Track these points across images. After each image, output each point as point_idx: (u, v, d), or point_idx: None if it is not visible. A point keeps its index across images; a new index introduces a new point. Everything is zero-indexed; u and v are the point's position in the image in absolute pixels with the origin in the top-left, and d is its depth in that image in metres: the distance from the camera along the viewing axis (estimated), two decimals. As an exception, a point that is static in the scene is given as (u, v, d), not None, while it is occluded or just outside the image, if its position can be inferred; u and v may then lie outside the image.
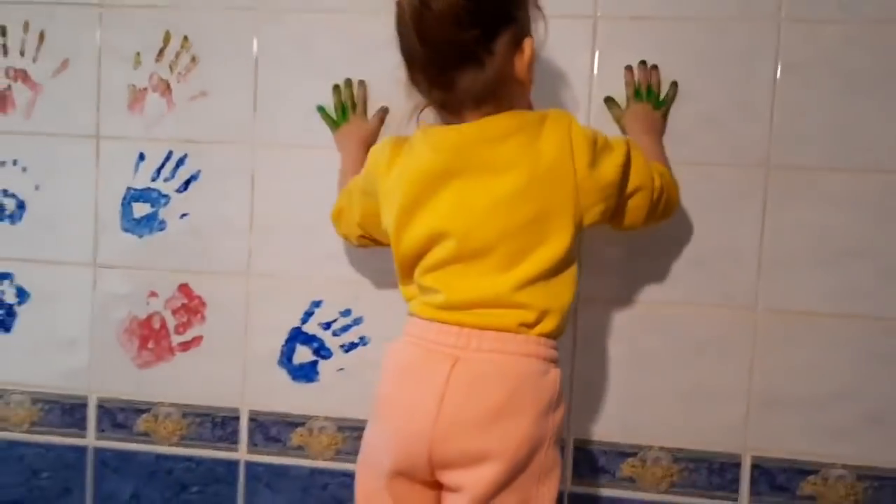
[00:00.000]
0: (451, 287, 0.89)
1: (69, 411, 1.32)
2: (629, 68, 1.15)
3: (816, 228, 1.14)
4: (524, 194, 0.87)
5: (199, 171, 1.27)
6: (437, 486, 0.91)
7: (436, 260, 0.90)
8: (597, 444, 1.20)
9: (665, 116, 1.15)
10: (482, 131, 0.89)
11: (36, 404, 1.33)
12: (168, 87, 1.27)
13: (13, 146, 1.31)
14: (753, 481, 1.17)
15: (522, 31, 0.90)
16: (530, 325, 0.88)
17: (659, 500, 1.19)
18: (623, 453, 1.20)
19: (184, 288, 1.28)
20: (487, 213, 0.87)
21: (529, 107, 0.96)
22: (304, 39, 1.22)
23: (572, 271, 0.91)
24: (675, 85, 1.15)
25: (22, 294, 1.33)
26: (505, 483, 0.85)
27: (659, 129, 1.14)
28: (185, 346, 1.29)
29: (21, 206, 1.31)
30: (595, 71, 1.17)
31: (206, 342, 1.28)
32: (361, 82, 1.22)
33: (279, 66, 1.23)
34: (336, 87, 1.22)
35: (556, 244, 0.88)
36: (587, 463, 1.20)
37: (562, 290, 0.90)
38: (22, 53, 1.30)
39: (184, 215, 1.28)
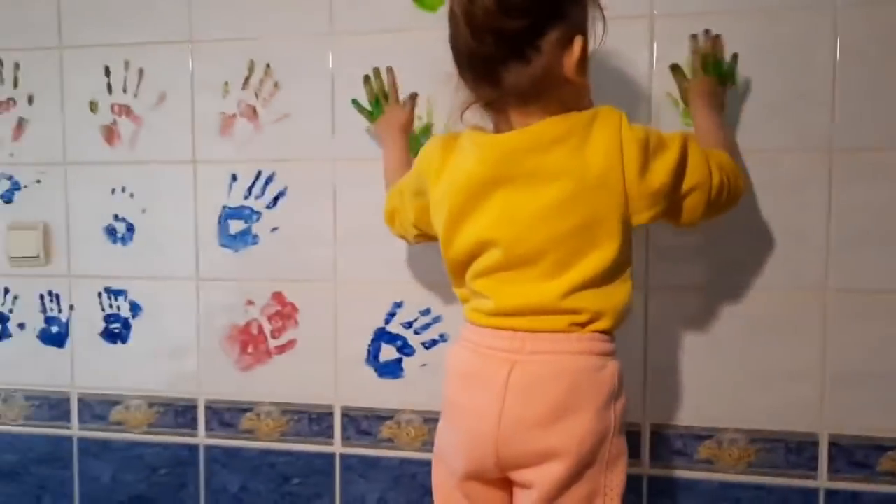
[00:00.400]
0: (500, 294, 0.92)
1: (181, 413, 1.45)
2: (694, 36, 1.16)
3: (882, 208, 1.15)
4: (571, 203, 0.88)
5: (285, 188, 1.37)
6: (508, 484, 0.95)
7: (484, 267, 0.93)
8: (673, 427, 1.25)
9: (725, 92, 1.15)
10: (529, 139, 0.89)
11: (152, 407, 1.47)
12: (254, 111, 1.38)
13: (121, 175, 1.45)
14: (831, 459, 1.19)
15: (574, 29, 0.88)
16: (582, 325, 0.90)
17: (737, 480, 1.22)
18: (699, 436, 1.24)
19: (277, 296, 1.39)
20: (534, 223, 0.89)
21: (588, 108, 0.92)
22: (374, 58, 1.31)
23: (626, 276, 0.93)
24: (735, 57, 1.15)
25: (135, 308, 1.47)
26: (574, 478, 0.89)
27: (722, 103, 1.13)
28: (281, 349, 1.40)
29: (130, 228, 1.45)
30: (654, 68, 1.22)
31: (300, 345, 1.39)
32: (389, 69, 1.25)
33: (353, 85, 1.32)
34: (367, 79, 1.27)
35: (605, 252, 0.89)
36: (664, 446, 1.25)
37: (615, 294, 0.91)
38: (124, 90, 1.44)
39: (274, 229, 1.38)
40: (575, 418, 0.88)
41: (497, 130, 0.95)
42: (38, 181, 1.49)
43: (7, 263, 1.51)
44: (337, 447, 1.38)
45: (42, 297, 1.50)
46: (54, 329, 1.50)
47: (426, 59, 1.21)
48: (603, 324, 0.91)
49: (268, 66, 1.36)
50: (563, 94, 0.90)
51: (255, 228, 1.39)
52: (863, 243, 1.16)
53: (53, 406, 1.51)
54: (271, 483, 1.42)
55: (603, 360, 0.91)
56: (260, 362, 1.41)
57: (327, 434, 1.39)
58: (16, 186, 1.50)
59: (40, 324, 1.51)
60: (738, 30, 1.18)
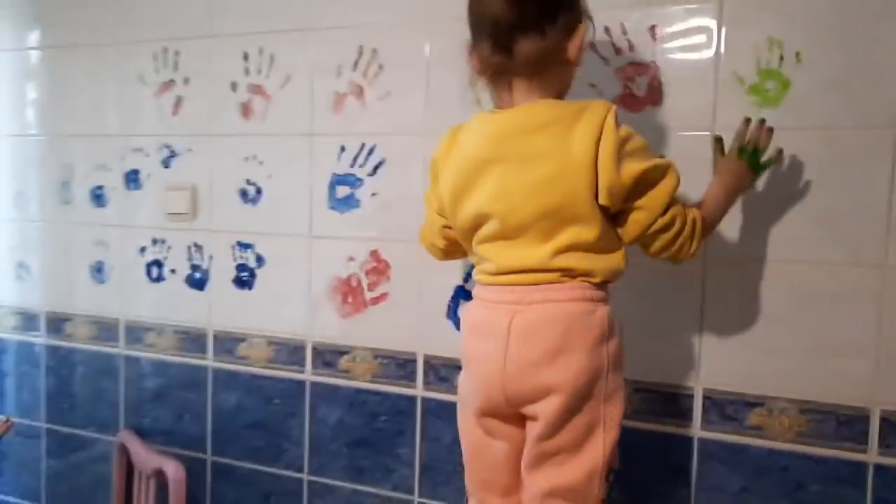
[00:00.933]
0: (500, 256, 1.06)
1: (293, 352, 1.68)
2: (747, 120, 1.17)
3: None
4: (554, 181, 1.00)
5: (384, 158, 1.56)
6: (520, 419, 1.08)
7: (485, 235, 1.07)
8: (724, 393, 1.30)
9: (756, 179, 1.19)
10: (522, 121, 1.03)
11: (270, 346, 1.71)
12: (361, 91, 1.57)
13: (253, 145, 1.70)
14: (882, 434, 1.19)
15: (577, 17, 1.04)
16: (573, 276, 1.02)
17: (786, 448, 1.26)
18: (750, 403, 1.28)
19: (374, 253, 1.58)
20: (524, 197, 1.01)
21: (568, 84, 1.09)
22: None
23: (615, 248, 1.04)
24: (780, 152, 1.19)
25: (260, 260, 1.71)
26: (573, 409, 1.01)
27: (740, 188, 1.16)
28: (375, 300, 1.59)
29: (259, 191, 1.70)
30: (723, 49, 1.27)
31: (391, 297, 1.57)
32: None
33: (446, 68, 1.47)
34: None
35: (589, 227, 1.00)
36: (716, 410, 1.30)
37: (607, 259, 1.03)
38: (258, 72, 1.68)
39: (374, 194, 1.57)
40: (569, 357, 1.00)
41: (498, 105, 1.08)
42: (190, 150, 1.77)
43: (164, 218, 1.81)
44: (419, 391, 1.55)
45: (189, 247, 1.79)
46: (197, 275, 1.79)
47: None
48: (594, 279, 1.03)
49: (374, 50, 1.55)
50: (561, 74, 1.05)
51: (358, 193, 1.59)
52: (926, 221, 1.16)
53: (194, 340, 1.80)
54: (363, 418, 1.61)
55: (593, 305, 1.03)
56: (357, 311, 1.61)
57: (411, 378, 1.56)
58: (173, 154, 1.79)
59: (187, 270, 1.80)
60: (804, 8, 1.21)
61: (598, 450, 1.02)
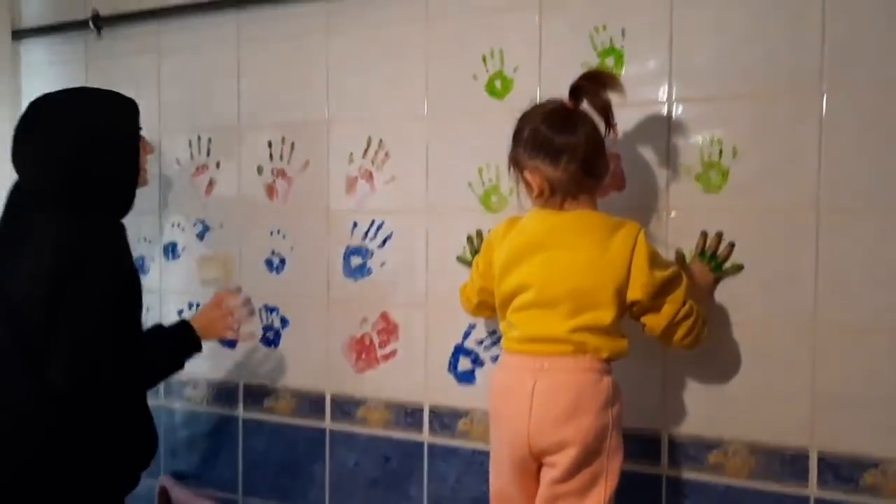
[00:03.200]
0: (528, 325, 1.29)
1: (314, 402, 1.90)
2: (704, 234, 1.45)
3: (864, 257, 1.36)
4: (589, 269, 1.25)
5: (392, 233, 1.79)
6: (539, 471, 1.30)
7: (521, 303, 1.30)
8: (686, 437, 1.50)
9: (716, 282, 1.44)
10: (573, 222, 1.29)
11: (293, 398, 1.93)
12: (371, 175, 1.81)
13: (277, 221, 1.94)
14: (820, 472, 1.39)
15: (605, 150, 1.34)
16: (585, 351, 1.26)
17: (741, 485, 1.45)
18: (709, 445, 1.48)
19: (384, 316, 1.81)
20: (561, 275, 1.26)
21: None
22: (459, 137, 1.69)
23: (622, 337, 1.28)
24: (739, 267, 1.43)
25: (284, 322, 1.95)
26: (583, 461, 1.24)
27: (708, 287, 1.43)
28: (386, 357, 1.81)
29: (283, 261, 1.94)
30: (673, 145, 1.50)
31: (400, 354, 1.79)
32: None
33: (444, 155, 1.71)
34: (469, 238, 1.66)
35: (605, 313, 1.25)
36: (680, 452, 1.50)
37: (614, 343, 1.27)
38: (281, 158, 1.93)
39: (383, 264, 1.81)
40: (582, 417, 1.23)
41: (544, 206, 1.33)
42: (222, 225, 2.02)
43: (199, 285, 2.05)
44: (426, 437, 1.76)
45: (221, 310, 2.03)
46: (229, 335, 2.02)
47: (495, 137, 1.56)
48: (599, 354, 1.27)
49: (381, 140, 1.80)
50: (596, 189, 1.35)
51: (370, 263, 1.82)
52: (848, 285, 1.37)
53: (226, 393, 2.03)
54: (376, 462, 1.82)
55: (600, 375, 1.27)
56: (370, 366, 1.83)
57: (418, 426, 1.77)
58: (206, 229, 2.04)
59: (219, 330, 2.03)
60: (737, 112, 1.44)
61: (600, 497, 1.25)
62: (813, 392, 1.40)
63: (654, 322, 1.30)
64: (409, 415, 1.78)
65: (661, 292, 1.27)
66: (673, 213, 1.48)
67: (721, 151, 1.45)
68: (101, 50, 2.17)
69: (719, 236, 1.44)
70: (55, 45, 2.23)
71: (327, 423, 1.89)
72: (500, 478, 1.36)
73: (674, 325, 1.29)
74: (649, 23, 1.51)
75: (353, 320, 1.85)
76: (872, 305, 1.36)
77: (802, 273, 1.41)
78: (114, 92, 1.53)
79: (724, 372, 1.47)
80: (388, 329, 1.81)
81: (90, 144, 1.42)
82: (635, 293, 1.26)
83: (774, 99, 1.42)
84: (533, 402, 1.25)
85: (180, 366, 1.55)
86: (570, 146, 1.27)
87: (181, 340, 1.55)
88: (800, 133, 1.40)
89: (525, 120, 1.33)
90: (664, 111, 1.50)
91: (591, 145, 1.29)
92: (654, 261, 1.27)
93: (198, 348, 1.57)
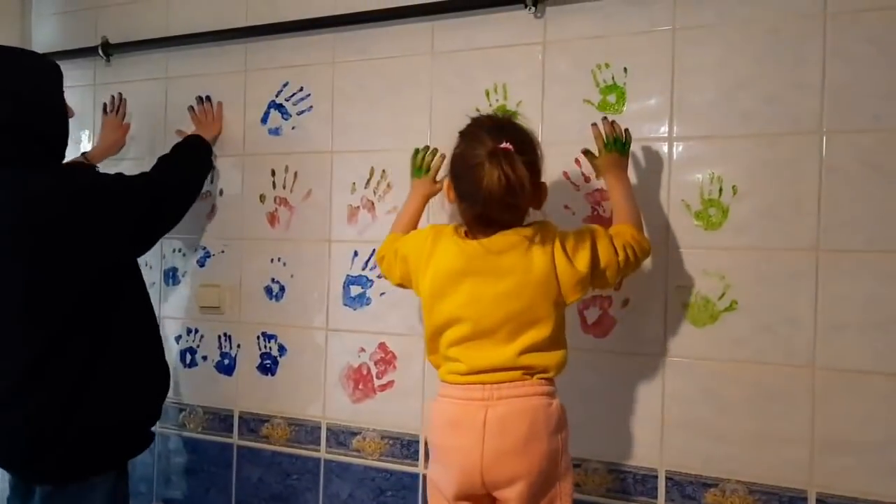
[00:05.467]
0: (470, 357, 1.26)
1: (310, 432, 1.89)
2: (595, 125, 1.44)
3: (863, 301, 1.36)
4: (519, 293, 1.23)
5: (392, 263, 1.80)
6: (491, 499, 1.27)
7: (455, 337, 1.27)
8: (684, 475, 1.49)
9: (627, 156, 1.44)
10: (490, 246, 1.25)
11: (289, 426, 1.92)
12: (372, 205, 1.82)
13: (278, 249, 1.95)
14: (817, 514, 1.38)
15: (541, 180, 1.29)
16: (532, 374, 1.25)
17: (738, 525, 1.44)
18: (706, 484, 1.47)
19: (382, 345, 1.81)
20: (492, 305, 1.24)
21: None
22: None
23: (562, 344, 1.28)
24: (627, 131, 1.43)
25: (282, 349, 1.94)
26: (538, 491, 1.23)
27: (625, 170, 1.42)
28: (383, 387, 1.80)
29: (282, 289, 1.94)
30: (673, 181, 1.51)
31: (397, 385, 1.79)
32: (436, 151, 1.56)
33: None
34: (416, 151, 1.59)
35: (543, 327, 1.24)
36: (677, 490, 1.49)
37: (555, 356, 1.27)
38: (284, 187, 1.94)
39: (382, 293, 1.81)
40: (535, 444, 1.22)
41: (469, 232, 1.30)
42: (223, 251, 2.03)
43: (198, 311, 2.05)
44: (421, 469, 1.75)
45: (219, 337, 2.03)
46: (226, 362, 2.02)
47: None
48: (545, 374, 1.25)
49: (383, 171, 1.81)
50: (525, 215, 1.30)
51: (369, 293, 1.82)
52: (846, 328, 1.37)
53: (222, 420, 2.02)
54: (371, 493, 1.81)
55: (549, 399, 1.26)
56: (367, 396, 1.82)
57: (414, 457, 1.76)
58: (207, 255, 2.05)
59: (217, 357, 2.03)
60: (740, 152, 1.45)
61: None
62: (812, 434, 1.40)
63: (608, 285, 1.35)
64: (405, 446, 1.77)
65: (593, 274, 1.28)
66: (672, 250, 1.49)
67: (721, 189, 1.46)
68: (109, 76, 2.19)
69: (610, 122, 1.43)
70: (65, 70, 2.19)
71: (322, 453, 1.88)
72: None
73: (626, 271, 1.32)
74: (652, 61, 1.53)
75: (352, 350, 1.84)
76: (871, 348, 1.36)
77: (801, 315, 1.41)
78: (38, 55, 1.67)
79: (723, 412, 1.46)
80: (386, 359, 1.80)
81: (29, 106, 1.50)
82: (574, 295, 1.26)
83: (775, 140, 1.43)
84: (485, 433, 1.21)
85: (207, 161, 1.96)
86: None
87: (191, 143, 1.92)
88: (799, 174, 1.41)
89: None
90: (665, 148, 1.52)
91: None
92: (574, 253, 1.26)
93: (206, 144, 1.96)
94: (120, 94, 2.11)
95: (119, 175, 1.61)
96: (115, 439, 1.52)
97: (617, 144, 1.42)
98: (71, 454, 1.45)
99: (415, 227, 1.53)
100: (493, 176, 1.19)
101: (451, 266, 1.28)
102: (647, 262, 1.50)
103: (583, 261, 1.26)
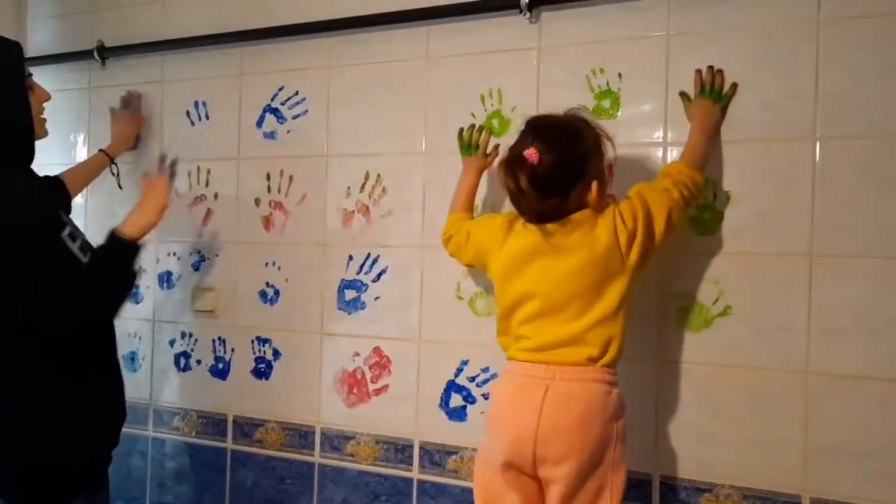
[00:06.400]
0: (539, 334, 1.30)
1: (304, 436, 1.89)
2: (698, 71, 1.47)
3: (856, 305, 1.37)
4: (586, 269, 1.28)
5: (387, 267, 1.80)
6: (536, 480, 1.29)
7: (526, 314, 1.32)
8: (679, 480, 1.49)
9: (724, 109, 1.45)
10: (558, 228, 1.29)
11: (284, 430, 1.92)
12: (367, 209, 1.82)
13: (272, 252, 1.94)
14: (810, 519, 1.38)
15: (591, 177, 1.29)
16: (595, 360, 1.27)
17: (732, 530, 1.44)
18: (700, 489, 1.47)
19: (377, 350, 1.80)
20: (561, 281, 1.28)
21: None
22: (456, 174, 1.69)
23: (622, 313, 1.29)
24: (734, 85, 1.45)
25: (276, 353, 1.94)
26: (586, 472, 1.24)
27: (715, 121, 1.44)
28: (378, 392, 1.80)
29: (277, 293, 1.94)
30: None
31: (391, 389, 1.78)
32: (483, 128, 1.64)
33: (441, 191, 1.71)
34: (461, 130, 1.66)
35: (613, 296, 1.28)
36: (671, 495, 1.49)
37: (615, 327, 1.29)
38: (279, 191, 1.94)
39: (377, 298, 1.81)
40: (589, 428, 1.25)
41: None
42: (217, 255, 2.02)
43: (192, 315, 2.05)
44: (415, 474, 1.75)
45: (213, 341, 2.02)
46: (220, 366, 2.01)
47: (492, 175, 1.62)
48: (609, 356, 1.28)
49: (379, 175, 1.81)
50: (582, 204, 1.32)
51: (364, 297, 1.82)
52: (840, 334, 1.38)
53: (216, 424, 2.01)
54: (365, 498, 1.80)
55: (609, 387, 1.29)
56: (362, 401, 1.82)
57: (408, 462, 1.75)
58: (202, 258, 2.04)
59: (211, 361, 2.03)
60: (729, 158, 1.46)
61: None
62: (805, 438, 1.40)
63: (677, 228, 1.36)
64: (400, 451, 1.77)
65: (646, 229, 1.30)
66: (667, 255, 1.49)
67: (715, 195, 1.46)
68: (104, 79, 2.19)
69: (711, 69, 1.46)
70: (61, 73, 2.25)
71: (316, 458, 1.87)
72: (489, 488, 1.33)
73: (678, 218, 1.34)
74: (646, 67, 1.53)
75: (346, 354, 1.84)
76: (864, 353, 1.36)
77: (795, 320, 1.41)
78: None
79: (717, 417, 1.46)
80: (381, 364, 1.80)
81: None
82: (633, 253, 1.29)
83: (769, 146, 1.43)
84: (543, 408, 1.25)
85: (129, 273, 1.48)
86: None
87: (115, 248, 1.46)
88: (793, 180, 1.42)
89: None
90: (659, 153, 1.52)
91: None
92: (626, 215, 1.30)
93: (133, 248, 1.48)
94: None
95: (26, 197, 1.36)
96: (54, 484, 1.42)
97: (713, 94, 1.45)
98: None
99: (472, 201, 1.60)
100: (508, 183, 1.29)
101: (523, 247, 1.34)
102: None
103: (630, 221, 1.29)
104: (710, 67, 1.46)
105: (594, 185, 1.29)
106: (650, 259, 1.33)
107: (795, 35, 1.42)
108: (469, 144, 1.64)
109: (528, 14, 1.62)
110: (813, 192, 1.40)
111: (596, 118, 1.54)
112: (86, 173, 1.99)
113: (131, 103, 2.12)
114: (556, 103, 1.60)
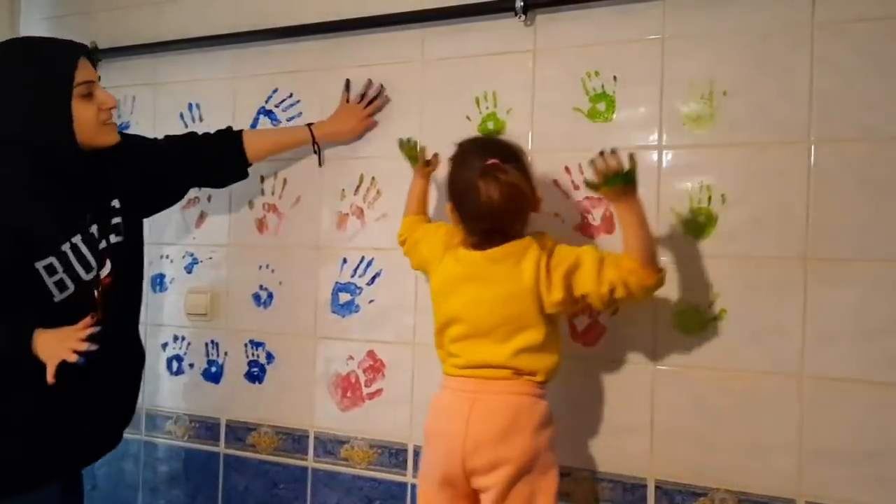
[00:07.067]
0: (468, 353, 1.34)
1: (297, 440, 1.88)
2: (592, 161, 1.29)
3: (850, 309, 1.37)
4: (510, 300, 1.31)
5: (381, 270, 1.79)
6: (473, 495, 1.32)
7: (456, 335, 1.36)
8: (673, 484, 1.48)
9: (635, 184, 1.29)
10: (490, 256, 1.33)
11: (277, 435, 1.90)
12: (362, 212, 1.82)
13: (266, 255, 1.93)
14: (805, 523, 1.38)
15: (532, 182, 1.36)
16: (522, 374, 1.31)
17: (727, 534, 1.44)
18: (695, 493, 1.46)
19: (371, 353, 1.80)
20: (488, 308, 1.32)
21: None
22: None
23: (554, 349, 1.34)
24: (632, 156, 1.28)
25: (270, 357, 1.93)
26: (517, 478, 1.27)
27: (632, 195, 1.29)
28: (371, 395, 1.79)
29: (270, 296, 1.93)
30: (662, 189, 1.51)
31: (385, 393, 1.77)
32: (410, 140, 1.71)
33: (436, 194, 1.70)
34: (400, 143, 1.71)
35: (534, 332, 1.31)
36: (666, 500, 1.49)
37: (546, 359, 1.33)
38: (273, 193, 1.93)
39: (371, 301, 1.80)
40: (517, 438, 1.28)
41: (476, 245, 1.37)
42: (210, 258, 2.01)
43: (185, 318, 2.04)
44: (409, 478, 1.74)
45: (206, 344, 2.01)
46: (213, 369, 2.00)
47: None
48: (536, 377, 1.31)
49: (373, 178, 1.80)
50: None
51: (358, 300, 1.81)
52: (834, 337, 1.37)
53: (208, 428, 2.00)
54: (359, 502, 1.79)
55: (535, 399, 1.32)
56: (355, 405, 1.81)
57: (403, 466, 1.74)
58: (195, 261, 2.03)
59: (204, 364, 2.01)
60: (729, 161, 1.46)
61: None
62: (800, 442, 1.39)
63: (599, 309, 1.37)
64: (394, 455, 1.76)
65: (569, 297, 1.30)
66: (662, 258, 1.49)
67: (710, 198, 1.46)
68: (97, 81, 2.18)
69: (602, 155, 1.28)
70: None
71: (310, 462, 1.86)
72: (429, 499, 1.36)
73: (612, 303, 1.31)
74: (641, 70, 1.53)
75: (340, 358, 1.83)
76: (860, 357, 1.36)
77: (790, 323, 1.41)
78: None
79: (712, 421, 1.46)
80: (375, 367, 1.79)
81: None
82: (552, 309, 1.30)
83: (763, 149, 1.43)
84: (470, 420, 1.29)
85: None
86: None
87: (14, 335, 1.32)
88: (788, 183, 1.41)
89: None
90: (654, 157, 1.52)
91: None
92: (552, 273, 1.30)
93: (24, 354, 1.31)
94: (381, 85, 1.79)
95: None
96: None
97: (618, 178, 1.28)
98: None
99: (425, 203, 1.65)
100: (490, 190, 1.29)
101: (455, 271, 1.38)
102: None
103: (556, 284, 1.30)
104: (602, 153, 1.28)
105: (538, 192, 1.37)
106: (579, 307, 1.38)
107: (790, 38, 1.42)
108: (410, 155, 1.69)
109: (523, 17, 1.61)
110: (808, 196, 1.40)
111: (592, 120, 1.56)
112: (281, 142, 1.82)
113: (372, 103, 1.80)
114: (551, 105, 1.61)
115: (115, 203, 1.49)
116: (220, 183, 1.83)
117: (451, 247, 1.41)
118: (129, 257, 1.55)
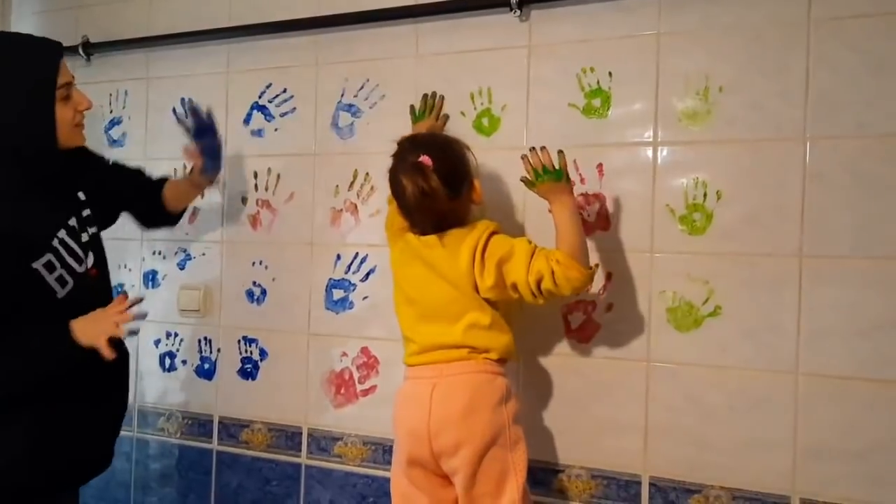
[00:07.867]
0: (421, 336, 1.40)
1: (290, 437, 1.87)
2: (524, 157, 1.40)
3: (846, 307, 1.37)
4: (451, 282, 1.37)
5: (375, 267, 1.78)
6: (442, 475, 1.36)
7: (409, 316, 1.43)
8: (667, 481, 1.48)
9: (568, 180, 1.38)
10: (435, 241, 1.39)
11: (270, 432, 1.90)
12: (356, 208, 1.81)
13: (259, 251, 1.92)
14: (800, 520, 1.38)
15: (471, 179, 1.41)
16: (478, 352, 1.36)
17: (721, 531, 1.44)
18: (690, 490, 1.46)
19: (365, 350, 1.79)
20: (433, 292, 1.39)
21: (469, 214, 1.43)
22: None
23: (507, 329, 1.39)
24: (561, 153, 1.37)
25: (263, 354, 1.92)
26: (482, 454, 1.31)
27: (566, 195, 1.37)
28: (365, 392, 1.79)
29: (264, 292, 1.92)
30: (658, 186, 1.51)
31: (380, 390, 1.77)
32: (437, 95, 1.71)
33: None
34: (425, 96, 1.71)
35: (483, 314, 1.36)
36: (660, 496, 1.48)
37: (499, 338, 1.38)
38: (266, 189, 1.92)
39: (365, 297, 1.79)
40: (477, 415, 1.32)
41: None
42: (203, 254, 2.00)
43: (177, 314, 2.02)
44: (403, 475, 1.73)
45: (199, 341, 2.00)
46: (206, 366, 1.99)
47: (482, 173, 1.59)
48: (492, 355, 1.37)
49: (367, 173, 1.79)
50: (465, 213, 1.43)
51: (351, 296, 1.81)
52: (829, 335, 1.37)
53: (201, 425, 1.99)
54: (353, 499, 1.78)
55: (493, 376, 1.36)
56: (349, 402, 1.80)
57: (396, 464, 1.74)
58: (188, 257, 2.02)
59: (197, 361, 2.00)
60: (725, 159, 1.45)
61: (513, 491, 1.32)
62: (795, 440, 1.39)
63: (526, 300, 1.36)
64: (388, 452, 1.75)
65: (500, 284, 1.34)
66: (657, 255, 1.48)
67: (706, 194, 1.46)
68: (90, 75, 2.16)
69: (534, 151, 1.39)
70: None
71: (303, 459, 1.85)
72: (399, 488, 1.42)
73: (540, 295, 1.33)
74: (636, 66, 1.53)
75: (334, 354, 1.82)
76: (854, 354, 1.36)
77: (785, 321, 1.41)
78: None
79: (706, 418, 1.46)
80: (369, 364, 1.78)
81: None
82: (486, 294, 1.35)
83: (758, 146, 1.43)
84: (432, 404, 1.33)
85: (50, 367, 1.35)
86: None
87: (52, 337, 1.33)
88: (783, 180, 1.41)
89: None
90: (650, 153, 1.51)
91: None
92: (486, 260, 1.34)
93: (72, 349, 1.32)
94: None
95: None
96: None
97: (547, 174, 1.38)
98: None
99: None
100: (408, 188, 1.36)
101: (407, 252, 1.44)
102: (632, 267, 1.51)
103: (489, 270, 1.34)
104: (532, 149, 1.39)
105: (477, 184, 1.42)
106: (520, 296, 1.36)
107: (785, 35, 1.42)
108: (423, 111, 1.70)
109: (518, 12, 1.61)
110: (803, 193, 1.40)
111: (588, 117, 1.55)
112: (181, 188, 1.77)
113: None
114: (546, 102, 1.60)
115: (81, 195, 1.49)
116: (149, 225, 1.80)
117: (405, 229, 1.46)
118: (102, 248, 1.53)
